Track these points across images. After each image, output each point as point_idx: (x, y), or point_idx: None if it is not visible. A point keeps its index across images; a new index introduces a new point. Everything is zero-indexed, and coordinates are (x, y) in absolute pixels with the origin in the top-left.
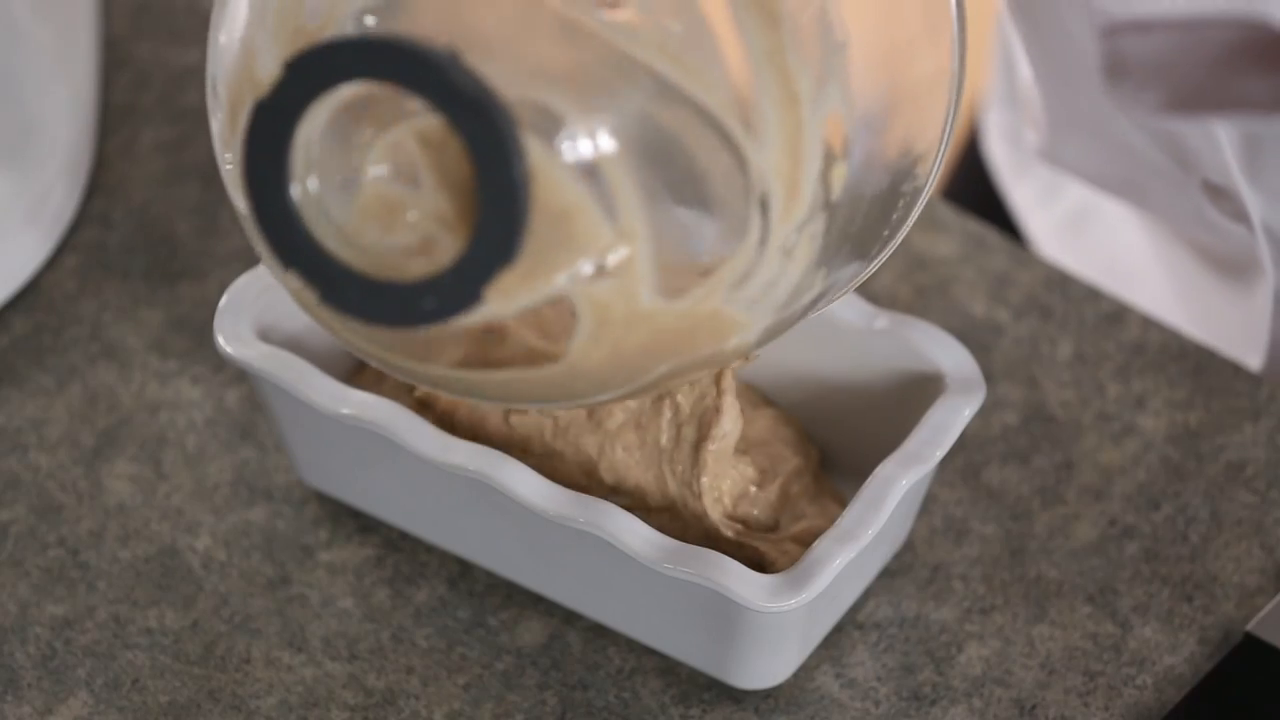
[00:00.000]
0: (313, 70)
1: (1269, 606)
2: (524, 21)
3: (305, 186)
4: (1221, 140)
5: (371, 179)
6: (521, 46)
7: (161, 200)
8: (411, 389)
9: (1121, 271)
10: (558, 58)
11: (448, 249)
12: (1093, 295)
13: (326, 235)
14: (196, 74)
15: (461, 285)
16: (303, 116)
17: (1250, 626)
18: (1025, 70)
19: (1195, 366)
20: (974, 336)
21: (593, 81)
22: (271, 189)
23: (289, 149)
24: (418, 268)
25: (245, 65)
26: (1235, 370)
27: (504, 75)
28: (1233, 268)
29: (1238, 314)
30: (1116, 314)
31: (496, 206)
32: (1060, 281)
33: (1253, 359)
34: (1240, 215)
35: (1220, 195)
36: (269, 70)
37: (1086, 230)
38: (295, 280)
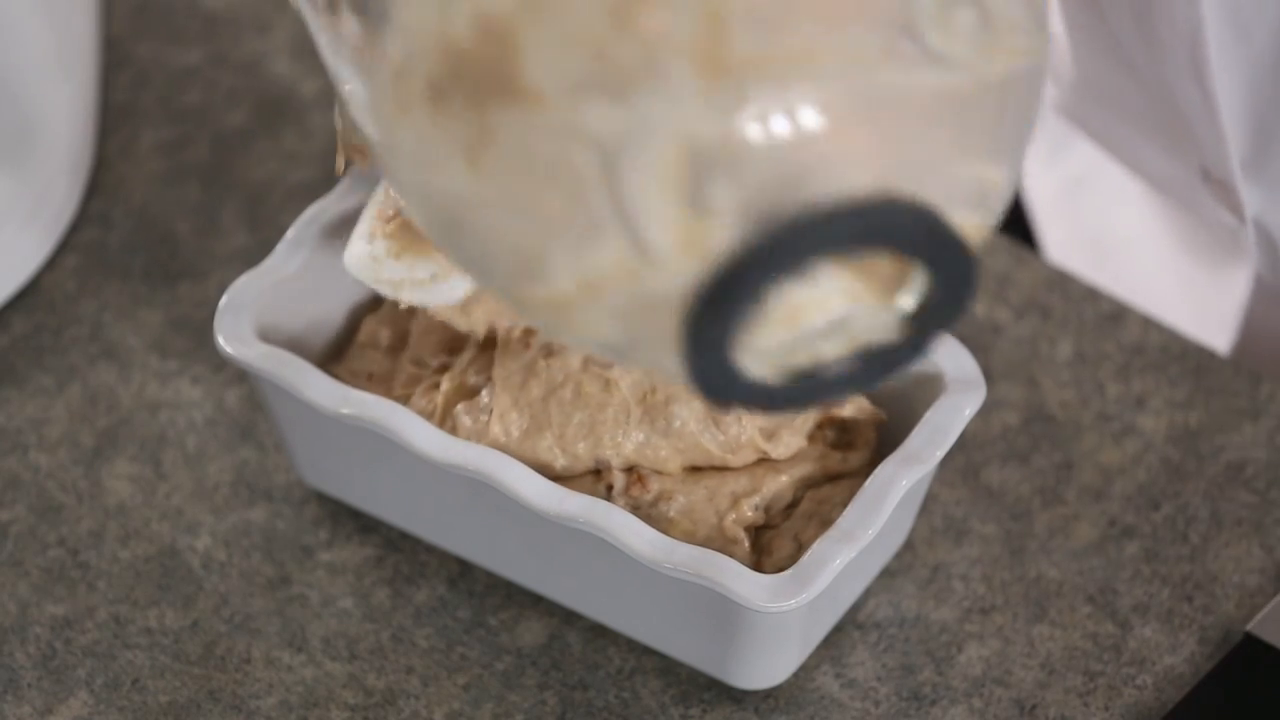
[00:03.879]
0: (788, 244)
1: (1269, 606)
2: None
3: (746, 345)
4: (1226, 133)
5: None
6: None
7: (161, 200)
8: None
9: (1112, 240)
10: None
11: (860, 316)
12: (1092, 295)
13: (755, 367)
14: (196, 74)
15: (918, 345)
16: (765, 290)
17: (1250, 626)
18: (1056, 18)
19: (1195, 366)
20: (974, 336)
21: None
22: (717, 352)
23: (740, 318)
24: (829, 347)
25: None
26: (1235, 370)
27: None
28: (1216, 248)
29: (1216, 293)
30: (1116, 314)
31: (954, 289)
32: (1060, 281)
33: (1223, 339)
34: (1233, 205)
35: (1215, 183)
36: (719, 237)
37: (1084, 195)
38: (738, 408)
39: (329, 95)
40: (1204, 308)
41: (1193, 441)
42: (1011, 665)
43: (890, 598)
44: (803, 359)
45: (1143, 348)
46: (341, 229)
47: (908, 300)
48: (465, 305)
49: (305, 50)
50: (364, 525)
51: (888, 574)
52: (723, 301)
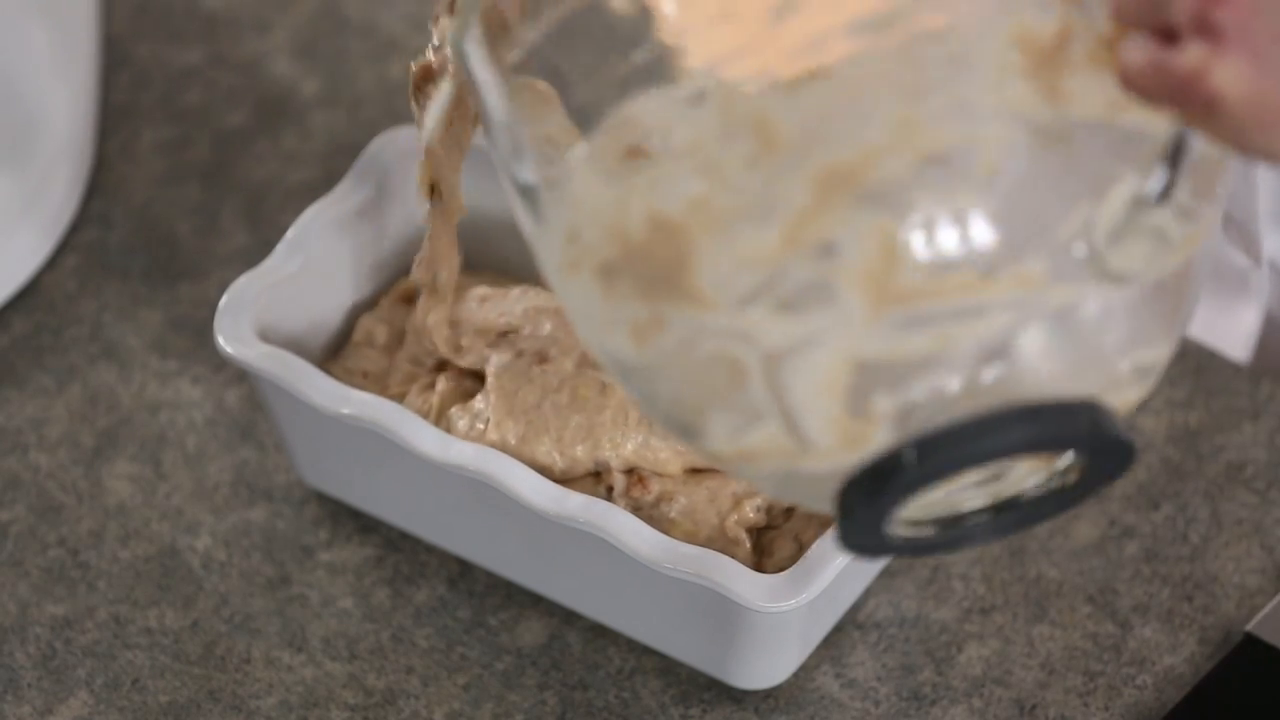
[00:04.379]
0: (945, 451)
1: (1269, 606)
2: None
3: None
4: (1258, 181)
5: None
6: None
7: (161, 200)
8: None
9: None
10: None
11: (1010, 477)
12: None
13: (902, 530)
14: (196, 74)
15: (1062, 504)
16: (920, 487)
17: (1250, 626)
18: None
19: (1195, 366)
20: None
21: None
22: (869, 527)
23: (894, 505)
24: (969, 499)
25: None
26: (1235, 370)
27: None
28: (1224, 285)
29: (1223, 326)
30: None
31: (1109, 468)
32: None
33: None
34: (1249, 246)
35: (1231, 223)
36: (877, 437)
37: None
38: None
39: (329, 95)
40: (1210, 341)
41: (1193, 441)
42: (1011, 665)
43: (890, 598)
44: (943, 508)
45: None
46: (341, 229)
47: (1062, 466)
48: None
49: (305, 50)
50: (364, 525)
51: (888, 574)
52: (878, 492)
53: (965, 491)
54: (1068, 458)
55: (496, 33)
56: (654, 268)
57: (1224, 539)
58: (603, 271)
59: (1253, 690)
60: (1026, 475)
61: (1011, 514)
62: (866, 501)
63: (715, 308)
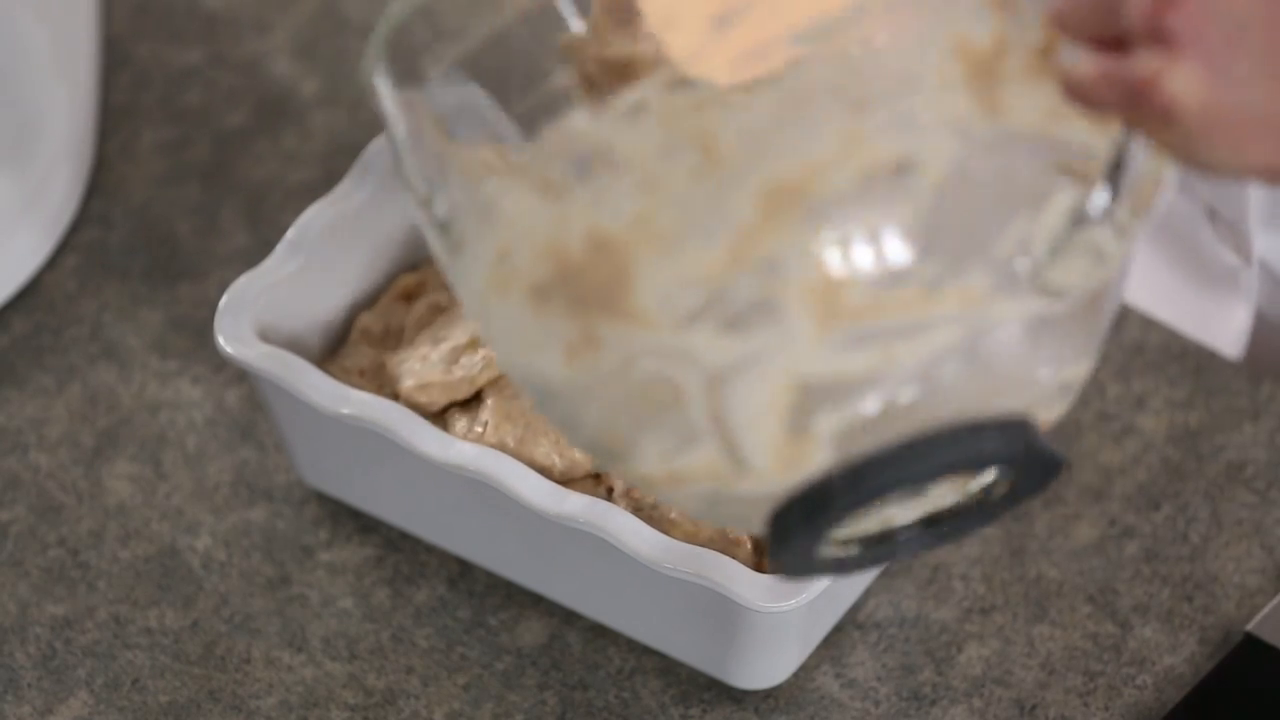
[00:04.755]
0: (880, 472)
1: (1269, 606)
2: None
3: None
4: (1250, 183)
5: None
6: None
7: (161, 200)
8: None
9: None
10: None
11: (939, 490)
12: None
13: (832, 551)
14: (196, 74)
15: (990, 516)
16: (855, 510)
17: (1250, 626)
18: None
19: (1195, 366)
20: None
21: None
22: (801, 552)
23: (829, 529)
24: (901, 514)
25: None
26: (1235, 370)
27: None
28: (1214, 283)
29: (1214, 323)
30: (1117, 315)
31: (1036, 479)
32: None
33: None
34: (1239, 246)
35: (1221, 222)
36: (815, 458)
37: None
38: (813, 579)
39: (329, 95)
40: (1201, 339)
41: (1193, 441)
42: (1011, 665)
43: (890, 598)
44: (874, 525)
45: (1143, 348)
46: (341, 229)
47: (988, 479)
48: None
49: (305, 50)
50: (364, 525)
51: (888, 574)
52: (814, 517)
53: (893, 508)
54: (994, 473)
55: (406, 62)
56: (592, 287)
57: (1224, 539)
58: (535, 292)
59: (1253, 690)
60: (951, 491)
61: (938, 527)
62: (802, 526)
63: (656, 327)
